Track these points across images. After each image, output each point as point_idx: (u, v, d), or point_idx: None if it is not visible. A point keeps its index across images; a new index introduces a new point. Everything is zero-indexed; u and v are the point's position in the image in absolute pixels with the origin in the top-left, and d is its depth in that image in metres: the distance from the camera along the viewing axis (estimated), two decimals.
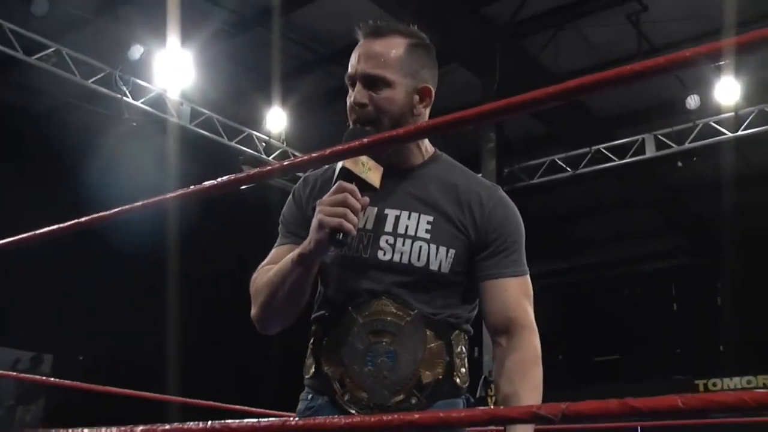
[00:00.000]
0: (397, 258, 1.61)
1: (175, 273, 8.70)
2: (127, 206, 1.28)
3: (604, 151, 9.50)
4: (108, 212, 1.31)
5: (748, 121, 8.57)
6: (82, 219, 1.33)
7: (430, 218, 1.63)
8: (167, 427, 1.07)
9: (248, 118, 9.39)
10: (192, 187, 1.21)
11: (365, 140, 1.16)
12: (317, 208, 1.54)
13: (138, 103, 8.40)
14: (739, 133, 8.63)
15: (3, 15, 7.55)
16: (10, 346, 9.65)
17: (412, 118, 1.63)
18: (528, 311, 1.64)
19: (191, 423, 1.04)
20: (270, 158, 9.44)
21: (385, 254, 1.62)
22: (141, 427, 1.07)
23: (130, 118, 8.45)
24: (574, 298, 14.07)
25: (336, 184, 1.55)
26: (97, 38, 8.37)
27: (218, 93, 9.16)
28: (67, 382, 4.23)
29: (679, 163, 9.21)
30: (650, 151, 9.18)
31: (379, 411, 1.53)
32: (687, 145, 8.91)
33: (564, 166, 9.74)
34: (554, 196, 11.45)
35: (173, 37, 8.08)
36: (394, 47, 1.64)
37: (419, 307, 1.60)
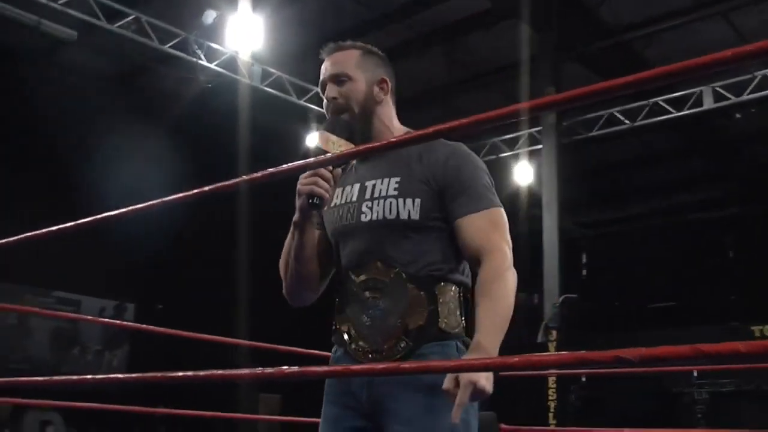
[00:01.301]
0: (374, 216, 1.89)
1: (247, 230, 9.11)
2: (218, 184, 1.42)
3: (662, 103, 9.59)
4: (208, 187, 1.43)
5: None
6: (190, 192, 1.46)
7: (398, 178, 1.90)
8: (270, 370, 1.23)
9: (315, 76, 9.66)
10: (275, 167, 1.36)
11: (412, 133, 1.27)
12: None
13: (212, 66, 8.78)
14: None
15: None
16: (96, 296, 10.26)
17: (375, 104, 1.98)
18: (493, 237, 1.83)
19: (285, 367, 1.20)
20: None
21: (366, 216, 1.90)
22: (247, 370, 1.30)
23: (205, 80, 8.86)
24: (630, 246, 14.12)
25: None
26: (173, 5, 8.71)
27: (287, 53, 9.42)
28: (157, 328, 4.39)
29: (737, 115, 9.29)
30: (708, 104, 9.24)
31: (375, 355, 1.84)
32: (745, 97, 8.97)
33: (622, 119, 9.87)
34: (612, 148, 11.55)
35: (244, 2, 8.41)
36: (352, 54, 2.01)
37: (401, 258, 1.86)
